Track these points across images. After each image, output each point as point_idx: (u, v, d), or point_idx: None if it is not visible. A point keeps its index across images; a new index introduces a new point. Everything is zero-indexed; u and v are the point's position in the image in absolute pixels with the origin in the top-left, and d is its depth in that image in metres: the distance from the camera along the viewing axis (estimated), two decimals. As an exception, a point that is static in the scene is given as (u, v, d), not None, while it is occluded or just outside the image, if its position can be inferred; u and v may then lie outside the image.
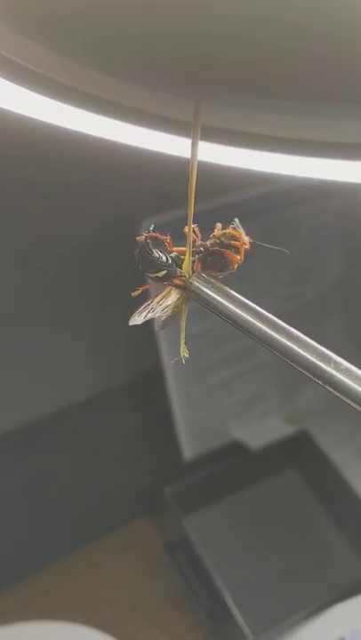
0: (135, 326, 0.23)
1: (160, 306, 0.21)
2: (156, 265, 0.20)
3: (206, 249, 0.21)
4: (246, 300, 0.20)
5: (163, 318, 0.21)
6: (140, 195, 0.58)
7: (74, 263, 0.64)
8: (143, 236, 0.21)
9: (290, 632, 0.47)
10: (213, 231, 0.22)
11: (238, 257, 0.21)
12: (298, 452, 0.56)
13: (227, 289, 0.20)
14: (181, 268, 0.21)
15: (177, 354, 0.70)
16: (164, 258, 0.20)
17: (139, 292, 0.21)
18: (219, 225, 0.22)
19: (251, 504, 0.54)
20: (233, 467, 0.55)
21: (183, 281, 0.21)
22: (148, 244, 0.21)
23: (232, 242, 0.21)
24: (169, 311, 0.21)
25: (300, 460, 0.56)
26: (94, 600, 0.59)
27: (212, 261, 0.21)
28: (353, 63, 0.17)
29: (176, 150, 0.28)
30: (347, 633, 0.46)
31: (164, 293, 0.21)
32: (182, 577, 0.50)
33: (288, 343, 0.19)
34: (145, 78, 0.20)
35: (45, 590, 0.60)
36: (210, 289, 0.20)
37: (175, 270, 0.21)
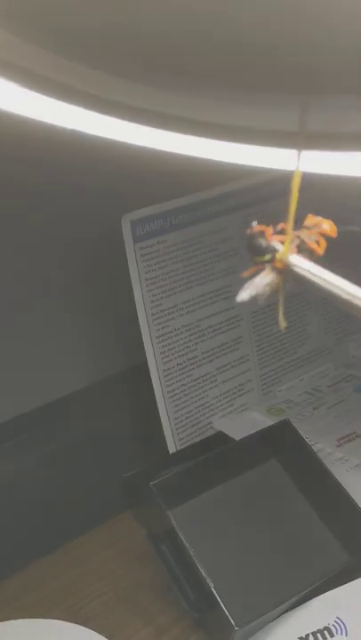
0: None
1: (261, 285, 0.26)
2: (263, 250, 0.25)
3: (299, 237, 0.26)
4: (337, 277, 0.25)
5: (264, 295, 0.26)
6: (121, 190, 0.58)
7: (68, 255, 0.64)
8: (252, 228, 0.26)
9: (275, 621, 0.47)
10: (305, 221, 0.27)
11: (323, 244, 0.26)
12: (280, 442, 0.57)
13: (317, 268, 0.25)
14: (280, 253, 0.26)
15: (161, 349, 0.69)
16: (265, 245, 0.26)
17: (249, 272, 0.26)
18: (310, 215, 0.27)
19: (234, 495, 0.54)
20: (216, 458, 0.55)
21: (282, 262, 0.25)
22: (255, 234, 0.26)
23: (322, 231, 0.26)
24: (268, 289, 0.26)
25: (282, 449, 0.56)
26: (78, 595, 0.59)
27: (304, 248, 0.26)
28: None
29: (154, 144, 0.28)
30: (331, 621, 0.47)
31: (264, 274, 0.26)
32: (167, 568, 0.50)
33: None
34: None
35: (28, 588, 0.60)
36: (302, 269, 0.25)
37: (275, 255, 0.26)
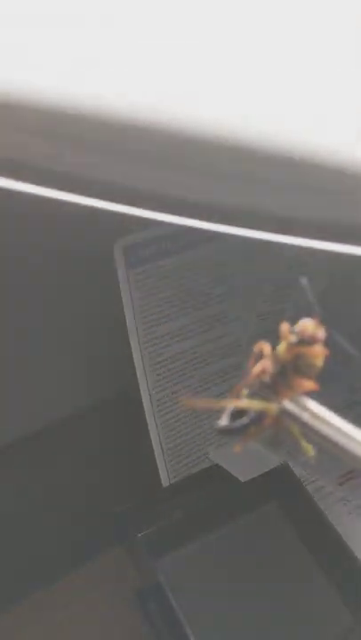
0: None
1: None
2: (242, 430, 0.21)
3: (284, 360, 0.20)
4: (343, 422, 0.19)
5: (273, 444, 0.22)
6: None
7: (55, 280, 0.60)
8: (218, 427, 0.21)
9: None
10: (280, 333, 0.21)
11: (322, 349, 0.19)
12: (279, 487, 0.53)
13: (319, 408, 0.19)
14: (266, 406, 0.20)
15: (155, 377, 0.64)
16: (244, 421, 0.20)
17: (239, 448, 0.21)
18: (285, 325, 0.20)
19: (231, 544, 0.51)
20: (210, 502, 0.52)
21: (273, 417, 0.20)
22: (223, 430, 0.21)
23: (314, 335, 0.19)
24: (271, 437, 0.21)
25: (282, 495, 0.53)
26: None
27: (298, 368, 0.20)
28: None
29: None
30: None
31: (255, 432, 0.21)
32: (154, 630, 0.47)
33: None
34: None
35: (10, 634, 0.57)
36: (301, 412, 0.19)
37: (261, 415, 0.20)
